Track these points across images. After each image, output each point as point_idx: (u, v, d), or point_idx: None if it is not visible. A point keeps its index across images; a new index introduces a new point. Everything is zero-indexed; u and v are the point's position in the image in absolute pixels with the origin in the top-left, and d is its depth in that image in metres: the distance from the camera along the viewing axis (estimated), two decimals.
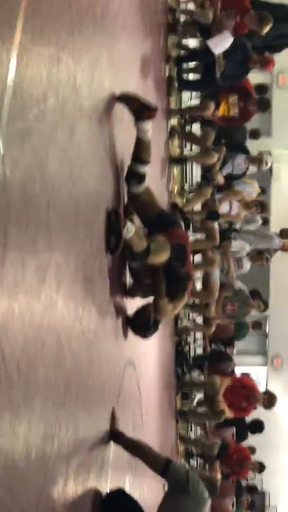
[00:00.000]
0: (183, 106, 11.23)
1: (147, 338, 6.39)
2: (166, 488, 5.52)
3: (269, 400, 10.79)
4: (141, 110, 5.42)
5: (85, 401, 4.21)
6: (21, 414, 2.83)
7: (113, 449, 5.26)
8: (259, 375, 21.51)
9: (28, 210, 2.90)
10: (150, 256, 5.44)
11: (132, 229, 5.16)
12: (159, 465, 5.25)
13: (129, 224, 5.12)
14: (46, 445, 3.21)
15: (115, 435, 5.22)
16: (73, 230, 3.79)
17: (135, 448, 5.42)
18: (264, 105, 11.17)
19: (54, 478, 3.40)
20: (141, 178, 5.50)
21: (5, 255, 2.61)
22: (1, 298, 2.59)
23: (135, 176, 5.49)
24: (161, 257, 5.58)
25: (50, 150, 3.26)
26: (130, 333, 6.06)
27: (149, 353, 8.10)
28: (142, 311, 6.06)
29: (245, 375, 12.98)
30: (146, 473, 5.79)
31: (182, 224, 6.63)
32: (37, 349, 3.07)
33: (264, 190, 13.83)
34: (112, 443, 5.22)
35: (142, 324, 6.11)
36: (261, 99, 11.15)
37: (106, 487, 4.96)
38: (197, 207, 11.39)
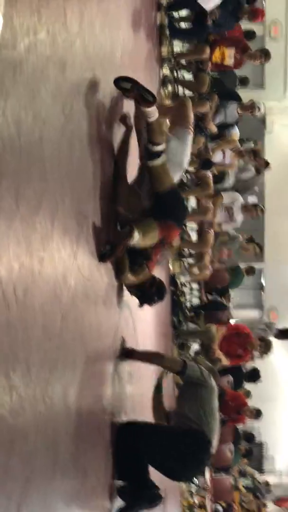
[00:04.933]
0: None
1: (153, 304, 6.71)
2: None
3: (265, 346, 10.88)
4: (139, 99, 5.48)
5: (82, 335, 4.29)
6: (19, 338, 2.90)
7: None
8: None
9: (21, 140, 2.96)
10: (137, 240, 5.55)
11: (136, 239, 5.42)
12: (178, 365, 6.29)
13: (135, 235, 5.39)
14: (43, 370, 3.30)
15: (127, 352, 6.11)
16: (66, 164, 3.84)
17: (152, 356, 6.67)
18: (267, 56, 11.11)
19: (53, 400, 3.49)
20: (158, 154, 5.66)
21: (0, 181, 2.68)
22: None
23: (152, 154, 5.65)
24: (145, 245, 5.69)
25: (41, 83, 3.30)
26: None
27: None
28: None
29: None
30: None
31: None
32: (34, 277, 3.14)
33: (256, 142, 13.85)
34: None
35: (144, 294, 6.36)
36: (264, 51, 11.15)
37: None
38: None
